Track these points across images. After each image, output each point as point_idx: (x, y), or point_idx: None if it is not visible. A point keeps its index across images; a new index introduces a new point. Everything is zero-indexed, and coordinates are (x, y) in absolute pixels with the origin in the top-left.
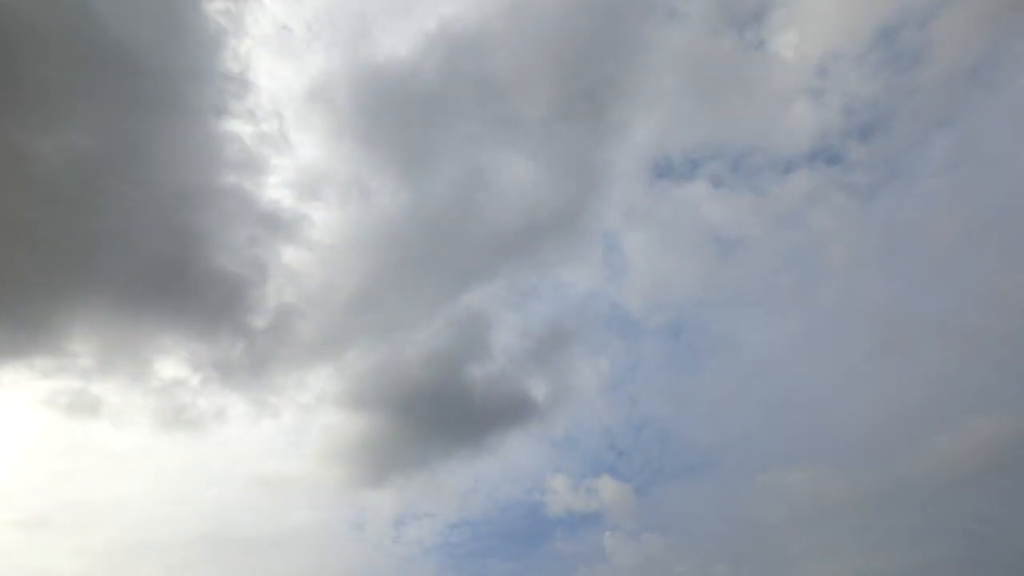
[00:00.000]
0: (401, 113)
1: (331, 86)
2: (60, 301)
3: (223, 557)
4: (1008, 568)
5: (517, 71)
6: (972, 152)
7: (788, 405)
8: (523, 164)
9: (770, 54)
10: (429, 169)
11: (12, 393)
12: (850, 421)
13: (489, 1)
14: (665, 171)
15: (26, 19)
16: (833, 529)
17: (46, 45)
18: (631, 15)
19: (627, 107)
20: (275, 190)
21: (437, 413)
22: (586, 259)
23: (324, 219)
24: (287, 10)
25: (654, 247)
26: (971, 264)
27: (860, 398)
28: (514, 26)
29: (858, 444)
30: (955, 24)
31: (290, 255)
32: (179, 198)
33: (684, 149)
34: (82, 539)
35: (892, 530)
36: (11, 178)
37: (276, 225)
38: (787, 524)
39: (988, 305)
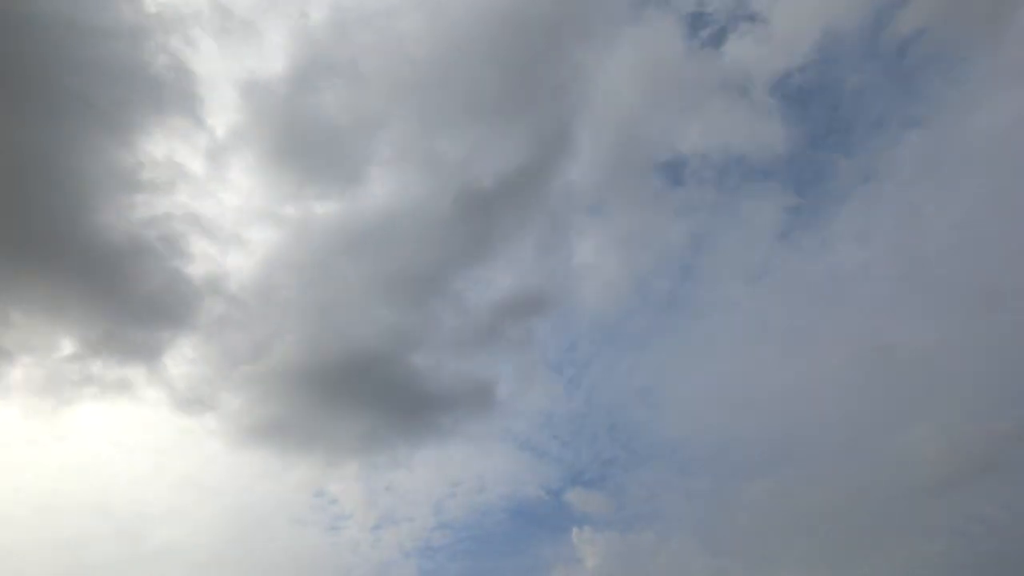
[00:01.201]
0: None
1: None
2: None
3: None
4: (995, 567)
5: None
6: (943, 160)
7: (766, 411)
8: (475, 145)
9: (733, 60)
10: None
11: None
12: (828, 427)
13: None
14: (630, 165)
15: None
16: (817, 532)
17: None
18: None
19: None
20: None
21: (385, 402)
22: (546, 249)
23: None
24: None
25: (620, 246)
26: (947, 270)
27: (835, 406)
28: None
29: (837, 449)
30: (925, 22)
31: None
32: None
33: (647, 148)
34: None
35: (873, 534)
36: None
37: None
38: (768, 527)
39: (962, 312)
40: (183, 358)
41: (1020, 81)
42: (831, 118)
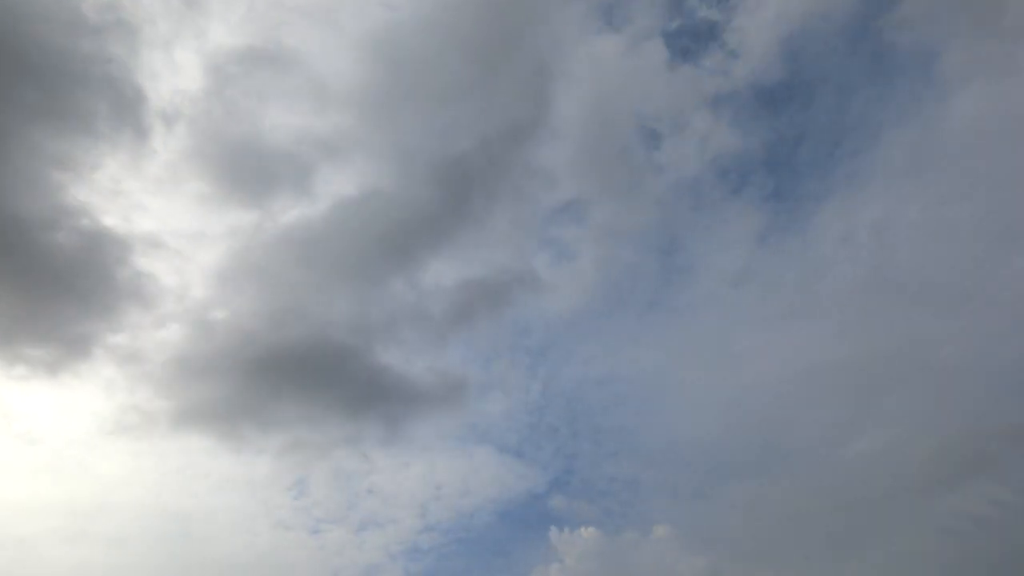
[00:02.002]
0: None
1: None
2: None
3: None
4: (987, 566)
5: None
6: (923, 159)
7: (753, 410)
8: (437, 134)
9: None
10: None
11: None
12: (816, 427)
13: None
14: (608, 158)
15: None
16: (807, 531)
17: None
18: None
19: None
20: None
21: (358, 399)
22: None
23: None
24: None
25: (599, 244)
26: (931, 269)
27: (822, 406)
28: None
29: (824, 450)
30: (903, 22)
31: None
32: None
33: (624, 140)
34: None
35: (864, 534)
36: None
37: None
38: (755, 527)
39: (949, 311)
40: (123, 352)
41: (1002, 78)
42: (810, 119)
